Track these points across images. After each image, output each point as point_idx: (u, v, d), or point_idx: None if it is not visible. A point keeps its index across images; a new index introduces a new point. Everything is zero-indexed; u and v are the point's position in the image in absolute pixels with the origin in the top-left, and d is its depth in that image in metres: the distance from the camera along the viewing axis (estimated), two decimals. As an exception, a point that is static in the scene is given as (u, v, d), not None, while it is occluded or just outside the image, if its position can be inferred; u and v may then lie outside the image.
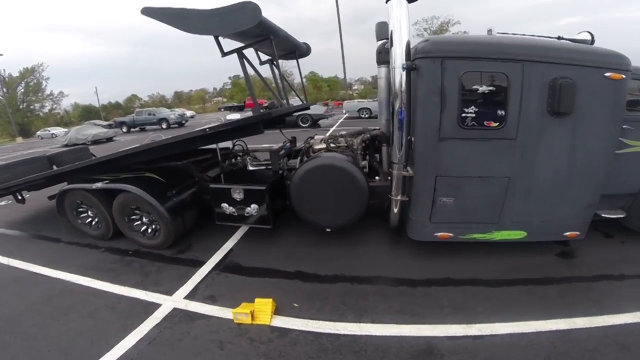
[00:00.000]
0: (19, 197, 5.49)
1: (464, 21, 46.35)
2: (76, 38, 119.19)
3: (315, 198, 3.51)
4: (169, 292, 3.24)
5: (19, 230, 5.41)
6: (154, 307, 3.04)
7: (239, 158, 4.94)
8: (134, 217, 4.15)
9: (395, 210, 3.51)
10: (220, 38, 3.34)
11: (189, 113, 29.29)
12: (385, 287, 3.09)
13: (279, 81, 4.70)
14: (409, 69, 2.95)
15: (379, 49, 3.88)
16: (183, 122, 24.59)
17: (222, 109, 46.67)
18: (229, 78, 68.31)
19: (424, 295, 2.96)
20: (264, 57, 4.67)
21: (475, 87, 2.85)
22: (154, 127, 23.92)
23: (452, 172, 3.06)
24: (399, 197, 3.37)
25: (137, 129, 24.18)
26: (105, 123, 28.01)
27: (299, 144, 4.96)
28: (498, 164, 3.00)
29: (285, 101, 4.65)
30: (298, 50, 4.88)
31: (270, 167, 4.30)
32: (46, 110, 45.95)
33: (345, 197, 3.45)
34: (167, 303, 3.09)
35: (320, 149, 4.23)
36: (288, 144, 4.83)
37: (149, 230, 4.11)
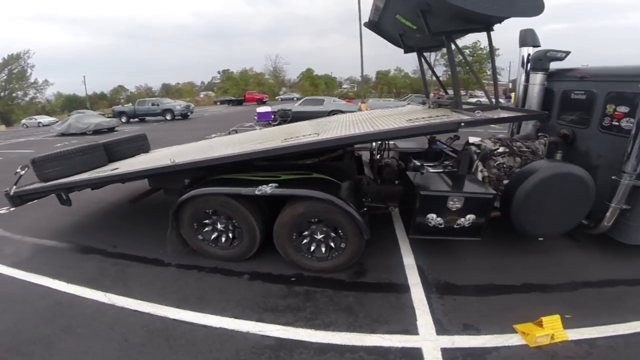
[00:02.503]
0: (64, 197, 4.09)
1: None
2: (58, 28, 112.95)
3: (542, 207, 3.08)
4: (409, 330, 2.48)
5: (75, 243, 4.08)
6: (414, 353, 2.26)
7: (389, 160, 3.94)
8: (306, 233, 3.13)
9: (613, 218, 3.17)
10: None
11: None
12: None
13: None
14: None
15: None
16: (188, 113, 23.02)
17: (218, 103, 45.01)
18: (218, 72, 66.92)
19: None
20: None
21: None
22: (157, 118, 22.24)
23: None
24: (622, 206, 3.09)
25: (136, 119, 22.41)
26: (96, 113, 25.88)
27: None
28: None
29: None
30: None
31: (452, 169, 3.69)
32: (28, 99, 43.04)
33: (576, 205, 3.14)
34: (426, 344, 2.33)
35: (501, 154, 3.73)
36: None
37: (323, 249, 3.12)
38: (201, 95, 60.32)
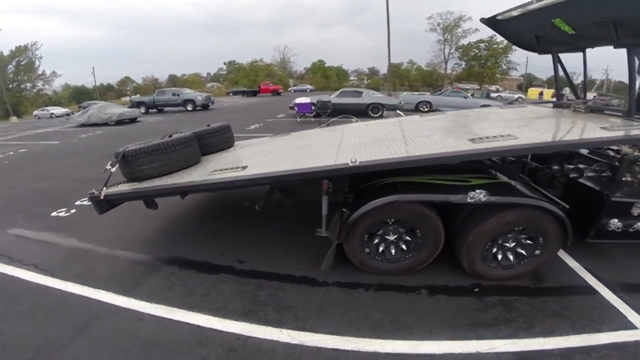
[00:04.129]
0: (151, 199, 3.38)
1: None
2: (61, 21, 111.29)
3: None
4: (627, 325, 2.32)
5: (186, 258, 3.26)
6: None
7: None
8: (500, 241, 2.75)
9: None
10: None
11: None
12: None
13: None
14: None
15: None
16: (209, 104, 22.11)
17: (231, 94, 44.04)
18: (224, 63, 66.05)
19: None
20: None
21: None
22: (177, 108, 21.34)
23: None
24: None
25: (154, 110, 21.52)
26: (103, 103, 24.89)
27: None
28: None
29: None
30: None
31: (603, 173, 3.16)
32: (35, 90, 42.45)
33: None
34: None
35: None
36: None
37: (511, 257, 2.80)
38: (211, 86, 59.30)
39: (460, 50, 50.10)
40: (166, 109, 21.78)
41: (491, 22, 4.11)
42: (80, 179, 6.42)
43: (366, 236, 2.76)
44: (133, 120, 17.03)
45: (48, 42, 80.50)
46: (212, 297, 2.65)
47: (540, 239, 2.70)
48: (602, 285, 2.76)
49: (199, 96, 21.78)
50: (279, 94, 40.29)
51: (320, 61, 58.88)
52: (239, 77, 55.28)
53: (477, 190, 2.49)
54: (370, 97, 14.77)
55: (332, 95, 15.37)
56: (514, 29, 4.10)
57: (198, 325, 2.33)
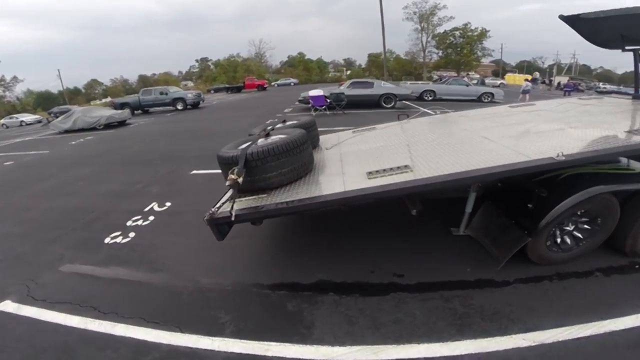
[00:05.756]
0: None
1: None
2: (15, 22, 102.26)
3: None
4: None
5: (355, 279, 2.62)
6: None
7: None
8: None
9: None
10: None
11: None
12: None
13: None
14: None
15: None
16: (200, 102, 20.77)
17: (212, 91, 42.07)
18: (196, 61, 63.69)
19: None
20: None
21: None
22: (166, 108, 19.86)
23: None
24: None
25: (139, 111, 19.90)
26: (87, 107, 22.89)
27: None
28: None
29: None
30: None
31: None
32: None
33: None
34: None
35: None
36: None
37: None
38: (184, 84, 56.65)
39: (437, 38, 50.60)
40: (153, 109, 20.27)
41: (571, 19, 4.28)
42: (107, 193, 5.45)
43: (554, 229, 2.62)
44: (122, 123, 15.58)
45: (3, 46, 73.67)
46: (406, 322, 2.18)
47: None
48: None
49: (189, 94, 20.38)
50: (264, 89, 39.02)
51: (301, 54, 57.78)
52: (216, 74, 53.15)
53: None
54: (382, 87, 14.20)
55: (342, 86, 14.68)
56: (594, 27, 4.30)
57: (427, 358, 1.90)
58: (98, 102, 37.01)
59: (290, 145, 2.53)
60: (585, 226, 2.73)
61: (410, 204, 2.82)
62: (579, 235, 2.75)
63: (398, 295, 2.42)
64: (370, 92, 13.82)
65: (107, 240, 3.71)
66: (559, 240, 2.73)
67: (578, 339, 2.00)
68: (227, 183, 2.29)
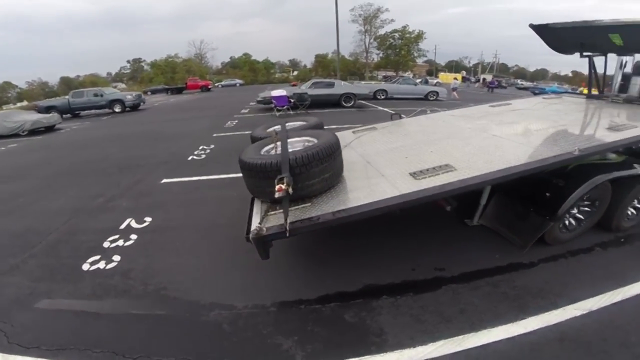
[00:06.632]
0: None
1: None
2: None
3: None
4: None
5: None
6: None
7: None
8: None
9: None
10: None
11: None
12: None
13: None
14: None
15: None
16: (140, 104, 18.94)
17: (149, 93, 38.64)
18: (128, 62, 58.80)
19: None
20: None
21: None
22: (102, 111, 17.72)
23: None
24: None
25: (69, 115, 17.46)
26: (6, 110, 19.39)
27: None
28: None
29: None
30: None
31: None
32: None
33: None
34: None
35: None
36: None
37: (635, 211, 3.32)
38: (114, 86, 51.42)
39: (378, 40, 53.12)
40: (85, 112, 17.92)
41: (539, 28, 4.84)
42: (61, 210, 4.62)
43: (570, 213, 2.96)
44: (50, 128, 13.48)
45: None
46: (471, 310, 2.25)
47: None
48: None
49: (128, 95, 18.41)
50: (208, 89, 37.21)
51: (246, 54, 56.10)
52: (153, 75, 49.09)
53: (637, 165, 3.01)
54: (342, 87, 14.38)
55: (303, 86, 14.53)
56: (557, 36, 4.84)
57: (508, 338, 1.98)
58: (12, 106, 31.61)
59: (331, 148, 2.35)
60: (587, 209, 3.12)
61: (446, 202, 2.86)
62: (581, 217, 3.12)
63: (450, 287, 2.46)
64: (332, 91, 13.93)
65: (85, 266, 3.11)
66: (567, 222, 3.06)
67: (615, 303, 2.25)
68: (277, 194, 2.02)
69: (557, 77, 60.89)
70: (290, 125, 3.61)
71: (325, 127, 3.51)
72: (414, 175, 2.48)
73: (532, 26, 4.91)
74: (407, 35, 50.75)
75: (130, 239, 3.60)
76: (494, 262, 2.76)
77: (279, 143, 2.79)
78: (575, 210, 3.06)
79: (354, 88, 14.65)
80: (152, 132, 10.86)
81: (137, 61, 59.98)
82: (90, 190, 5.37)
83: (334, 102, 13.86)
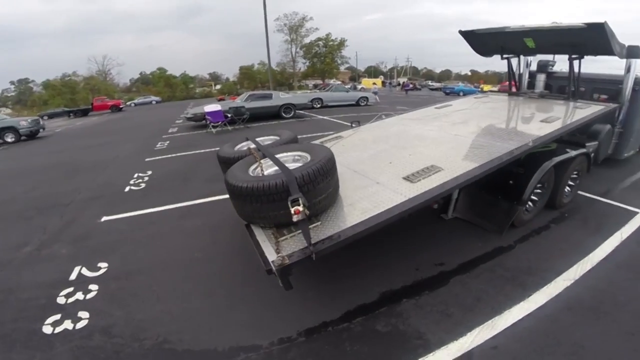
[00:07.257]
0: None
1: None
2: None
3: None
4: None
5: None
6: None
7: None
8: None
9: None
10: None
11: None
12: None
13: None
14: None
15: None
16: (39, 130, 16.11)
17: (46, 117, 33.09)
18: (12, 83, 50.44)
19: None
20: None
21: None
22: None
23: None
24: None
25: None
26: None
27: None
28: None
29: None
30: None
31: None
32: None
33: None
34: None
35: None
36: None
37: (570, 189, 4.05)
38: (1, 112, 42.96)
39: (304, 48, 54.23)
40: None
41: (467, 34, 5.42)
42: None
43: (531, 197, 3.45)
44: None
45: None
46: (485, 296, 2.48)
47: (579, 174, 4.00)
48: None
49: (22, 121, 15.38)
50: (120, 109, 33.45)
51: (161, 69, 51.96)
52: (47, 97, 42.28)
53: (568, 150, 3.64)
54: (280, 98, 14.26)
55: (239, 99, 14.00)
56: (482, 40, 5.48)
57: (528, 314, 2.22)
58: None
59: (331, 162, 2.30)
60: (539, 191, 3.68)
61: (435, 201, 3.02)
62: (536, 198, 3.67)
63: (457, 279, 2.65)
64: (270, 103, 13.74)
65: (47, 329, 2.48)
66: (527, 205, 3.54)
67: (589, 271, 2.66)
68: (295, 218, 1.87)
69: (459, 77, 70.46)
70: (261, 140, 3.44)
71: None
72: (408, 179, 2.57)
73: (461, 32, 5.50)
74: (331, 42, 52.70)
75: (90, 290, 2.99)
76: (480, 249, 3.04)
77: (262, 161, 2.64)
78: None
79: (292, 98, 14.69)
80: (67, 162, 9.28)
81: (23, 82, 51.46)
82: (9, 239, 4.34)
83: (273, 113, 13.70)
